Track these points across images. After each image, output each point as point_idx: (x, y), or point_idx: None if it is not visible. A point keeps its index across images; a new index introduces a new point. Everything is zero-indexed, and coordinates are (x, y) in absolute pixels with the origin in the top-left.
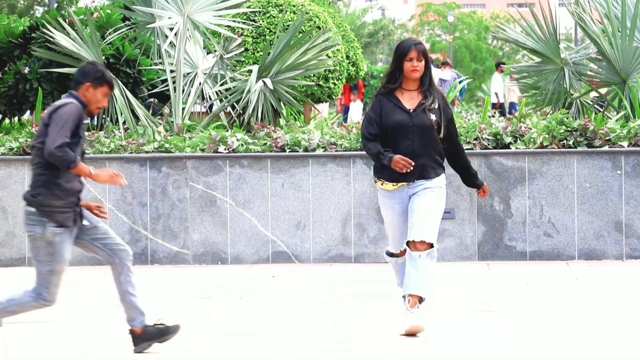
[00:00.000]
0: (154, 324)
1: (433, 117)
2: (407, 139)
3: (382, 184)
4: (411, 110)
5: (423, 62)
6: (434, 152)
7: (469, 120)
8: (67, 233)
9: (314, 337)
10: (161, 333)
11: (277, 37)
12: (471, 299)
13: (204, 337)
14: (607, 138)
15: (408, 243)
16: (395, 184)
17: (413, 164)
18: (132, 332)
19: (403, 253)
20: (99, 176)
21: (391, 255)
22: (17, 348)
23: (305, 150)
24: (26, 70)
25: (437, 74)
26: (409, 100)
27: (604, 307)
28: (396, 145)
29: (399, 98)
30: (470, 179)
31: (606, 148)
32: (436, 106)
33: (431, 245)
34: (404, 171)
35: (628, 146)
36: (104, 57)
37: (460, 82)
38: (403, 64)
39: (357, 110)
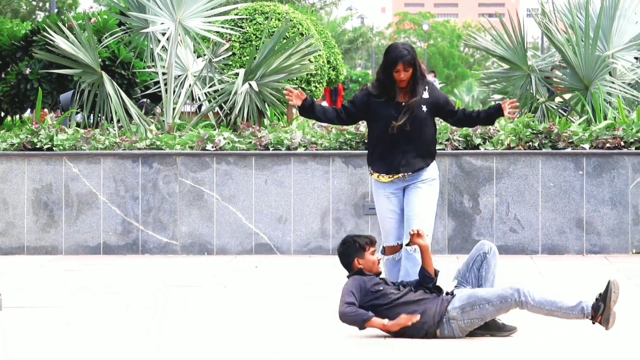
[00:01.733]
0: None
1: (424, 108)
2: (400, 131)
3: (377, 176)
4: (403, 103)
5: (410, 69)
6: (427, 142)
7: (441, 122)
8: None
9: (299, 326)
10: None
11: (263, 42)
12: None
13: (183, 322)
14: (570, 141)
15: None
16: (391, 176)
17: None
18: None
19: (399, 247)
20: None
21: (384, 252)
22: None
23: (288, 148)
24: (27, 71)
25: None
26: (401, 95)
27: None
28: (388, 136)
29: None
30: (488, 117)
31: (569, 150)
32: (427, 96)
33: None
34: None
35: (589, 148)
36: (100, 60)
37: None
38: (392, 72)
39: None
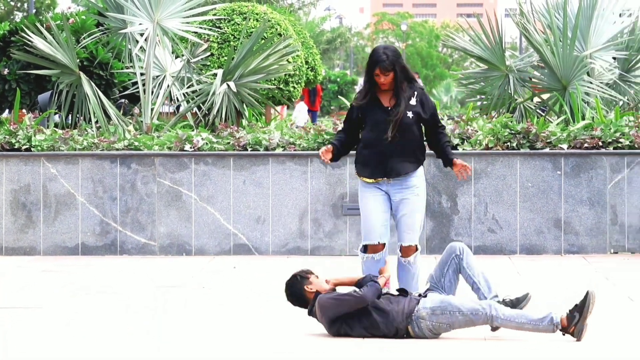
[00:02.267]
0: None
1: (410, 114)
2: (386, 135)
3: (361, 177)
4: (389, 108)
5: (390, 73)
6: (412, 148)
7: None
8: None
9: (279, 326)
10: None
11: (241, 43)
12: (421, 289)
13: (164, 322)
14: (548, 141)
15: (400, 247)
16: (374, 179)
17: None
18: None
19: (380, 247)
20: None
21: (365, 250)
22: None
23: (266, 149)
24: (5, 71)
25: None
26: (388, 99)
27: (543, 298)
28: (375, 140)
29: (379, 97)
30: (442, 155)
31: (547, 150)
32: (414, 102)
33: (417, 247)
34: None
35: (568, 148)
36: (78, 60)
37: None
38: (372, 76)
39: (302, 113)
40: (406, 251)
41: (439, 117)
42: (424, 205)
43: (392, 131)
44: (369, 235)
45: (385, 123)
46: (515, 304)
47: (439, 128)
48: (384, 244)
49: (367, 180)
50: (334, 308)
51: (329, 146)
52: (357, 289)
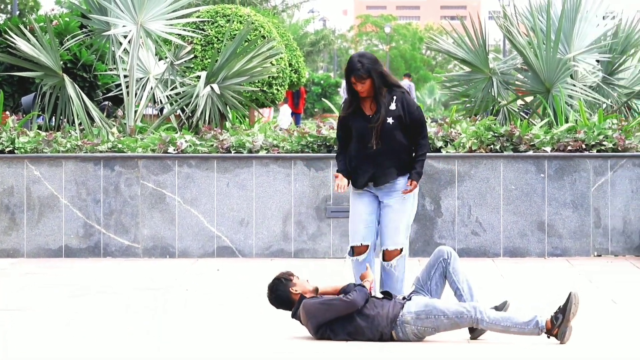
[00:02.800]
0: None
1: (391, 120)
2: (370, 144)
3: (354, 187)
4: (370, 116)
5: (367, 81)
6: (397, 154)
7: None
8: None
9: (265, 330)
10: None
11: (225, 45)
12: (406, 292)
13: (144, 325)
14: (531, 143)
15: (383, 251)
16: (361, 189)
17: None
18: None
19: (364, 249)
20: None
21: (352, 253)
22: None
23: (250, 151)
24: None
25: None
26: (369, 106)
27: (527, 301)
28: (361, 149)
29: (361, 106)
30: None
31: (531, 153)
32: (394, 107)
33: (401, 250)
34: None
35: (551, 151)
36: (62, 62)
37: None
38: (351, 85)
39: (286, 115)
40: (389, 255)
41: (424, 124)
42: (411, 208)
43: (376, 139)
44: (353, 236)
45: (368, 131)
46: None
47: (421, 138)
48: (367, 245)
49: (357, 190)
50: (322, 314)
51: (337, 174)
52: (346, 294)
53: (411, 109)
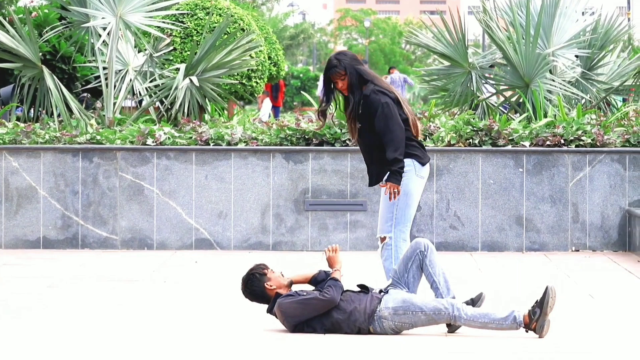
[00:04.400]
0: None
1: (359, 124)
2: (359, 144)
3: None
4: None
5: (345, 78)
6: (377, 152)
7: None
8: None
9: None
10: None
11: (204, 37)
12: (382, 286)
13: (121, 317)
14: (510, 138)
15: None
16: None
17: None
18: None
19: (382, 240)
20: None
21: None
22: None
23: (228, 144)
24: None
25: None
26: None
27: (505, 295)
28: (360, 150)
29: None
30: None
31: (509, 147)
32: (360, 111)
33: (384, 238)
34: None
35: (530, 146)
36: (41, 54)
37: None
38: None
39: (266, 109)
40: (381, 241)
41: (385, 133)
42: (401, 198)
43: (354, 136)
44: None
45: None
46: (471, 304)
47: (386, 142)
48: (384, 237)
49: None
50: (300, 313)
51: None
52: (322, 291)
53: (370, 113)
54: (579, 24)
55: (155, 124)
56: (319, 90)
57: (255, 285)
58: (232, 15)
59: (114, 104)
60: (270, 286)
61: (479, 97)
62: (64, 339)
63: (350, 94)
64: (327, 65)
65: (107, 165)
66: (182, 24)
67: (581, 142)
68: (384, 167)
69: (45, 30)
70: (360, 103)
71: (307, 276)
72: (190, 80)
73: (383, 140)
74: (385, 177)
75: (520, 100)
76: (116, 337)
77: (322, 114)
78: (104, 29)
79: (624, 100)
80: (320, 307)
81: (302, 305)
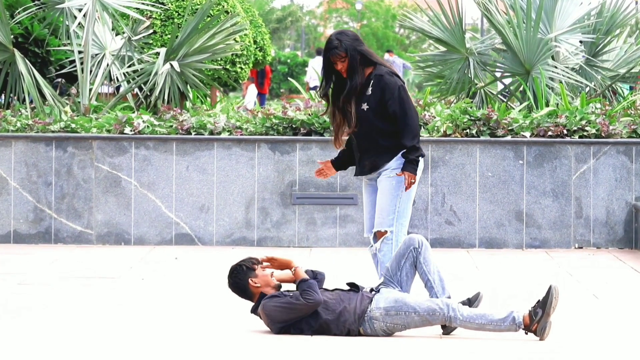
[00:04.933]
0: None
1: (365, 105)
2: (354, 129)
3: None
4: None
5: (345, 60)
6: (379, 140)
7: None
8: None
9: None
10: None
11: (185, 20)
12: (373, 284)
13: (103, 317)
14: (510, 128)
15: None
16: (357, 176)
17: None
18: None
19: (380, 235)
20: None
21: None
22: None
23: (211, 133)
24: None
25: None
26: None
27: (502, 294)
28: (352, 137)
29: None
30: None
31: (509, 138)
32: (369, 92)
33: (385, 232)
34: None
35: (530, 136)
36: (12, 37)
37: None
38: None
39: (252, 96)
40: (379, 237)
41: (404, 115)
42: (393, 187)
43: (355, 123)
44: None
45: (350, 115)
46: (467, 305)
47: (402, 128)
48: (383, 232)
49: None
50: (285, 316)
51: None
52: (302, 296)
53: (387, 95)
54: (583, 7)
55: (134, 112)
56: (307, 77)
57: (239, 278)
58: None
59: (90, 90)
60: (255, 283)
61: (476, 84)
62: (36, 342)
63: (349, 76)
64: (326, 46)
65: (82, 155)
66: (162, 6)
67: (585, 133)
68: (383, 155)
69: (17, 11)
70: (370, 85)
71: (293, 276)
72: (171, 66)
73: (398, 125)
74: (402, 167)
75: (521, 89)
76: (89, 339)
77: (325, 96)
78: (80, 10)
79: (631, 88)
80: (306, 310)
81: (287, 309)
